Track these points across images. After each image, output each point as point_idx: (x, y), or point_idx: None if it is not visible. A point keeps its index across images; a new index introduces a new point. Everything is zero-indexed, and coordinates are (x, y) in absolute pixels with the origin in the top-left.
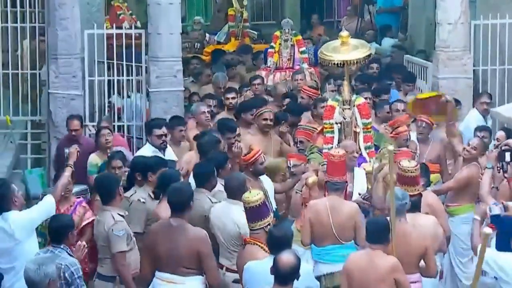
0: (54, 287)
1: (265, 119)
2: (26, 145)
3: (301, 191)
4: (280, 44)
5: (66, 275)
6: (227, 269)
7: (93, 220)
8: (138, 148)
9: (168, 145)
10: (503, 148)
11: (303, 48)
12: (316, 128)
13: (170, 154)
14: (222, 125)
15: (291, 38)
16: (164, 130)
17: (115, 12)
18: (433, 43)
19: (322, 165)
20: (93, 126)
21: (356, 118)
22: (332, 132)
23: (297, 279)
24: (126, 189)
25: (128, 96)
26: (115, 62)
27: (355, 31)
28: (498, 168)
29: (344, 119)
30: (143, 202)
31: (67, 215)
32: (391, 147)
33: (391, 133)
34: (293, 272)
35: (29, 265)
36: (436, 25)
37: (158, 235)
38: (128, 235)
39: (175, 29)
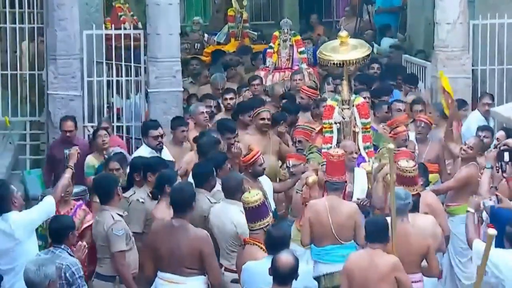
0: None
1: (263, 119)
2: (25, 146)
3: (301, 190)
4: (279, 44)
5: (67, 275)
6: (226, 269)
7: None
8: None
9: (164, 146)
10: (502, 148)
11: (302, 48)
12: (314, 128)
13: (166, 155)
14: (221, 126)
15: (290, 38)
16: (160, 131)
17: (116, 13)
18: (432, 43)
19: (321, 165)
20: (92, 127)
21: (355, 118)
22: (331, 131)
23: (296, 279)
24: (126, 189)
25: (128, 98)
26: (113, 62)
27: (354, 31)
28: (497, 168)
29: (343, 119)
30: (142, 202)
31: (67, 216)
32: (391, 146)
33: (390, 133)
34: (292, 272)
35: (29, 266)
36: (435, 25)
37: (160, 235)
38: (127, 234)
39: (174, 30)
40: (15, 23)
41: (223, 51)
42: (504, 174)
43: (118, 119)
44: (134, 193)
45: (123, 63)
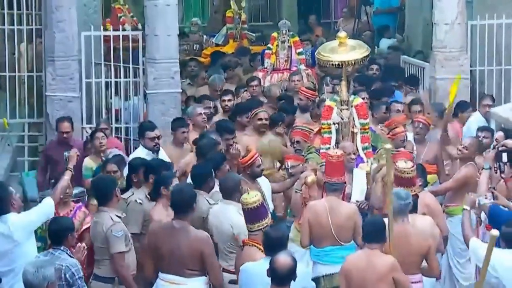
0: None
1: (260, 119)
2: (24, 147)
3: (300, 190)
4: (277, 45)
5: (67, 276)
6: (224, 270)
7: None
8: None
9: (161, 147)
10: (500, 148)
11: (300, 49)
12: (312, 129)
13: (163, 156)
14: (220, 127)
15: (288, 40)
16: (156, 132)
17: (116, 14)
18: (430, 44)
19: (320, 166)
20: (90, 128)
21: (354, 119)
22: (330, 132)
23: (294, 280)
24: (125, 191)
25: (126, 100)
26: (112, 64)
27: (352, 32)
28: (495, 169)
29: (342, 119)
30: (140, 203)
31: (66, 217)
32: (388, 146)
33: (388, 134)
34: (290, 273)
35: (27, 267)
36: (433, 26)
37: (160, 236)
38: (126, 236)
39: (172, 31)
40: (13, 25)
41: (223, 53)
42: (502, 175)
43: (117, 120)
44: (133, 194)
45: (121, 64)
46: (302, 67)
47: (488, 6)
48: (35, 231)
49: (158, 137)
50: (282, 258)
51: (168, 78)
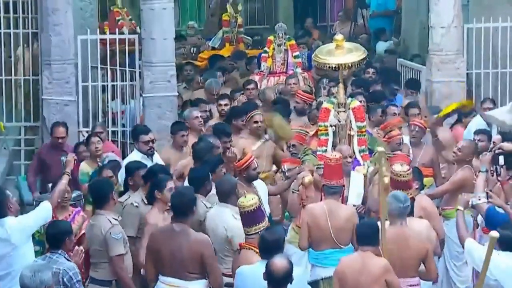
0: None
1: (256, 122)
2: (20, 151)
3: (298, 190)
4: (273, 48)
5: (65, 279)
6: None
7: None
8: None
9: (155, 152)
10: (496, 151)
11: (297, 53)
12: (308, 132)
13: (158, 160)
14: (217, 130)
15: (285, 43)
16: (151, 136)
17: (114, 17)
18: (427, 47)
19: (317, 168)
20: (87, 131)
21: (351, 121)
22: (327, 134)
23: (291, 283)
24: (122, 194)
25: (124, 103)
26: (108, 67)
27: (349, 36)
28: (492, 172)
29: (339, 121)
30: (136, 206)
31: (64, 221)
32: (381, 148)
33: (384, 137)
34: (287, 276)
35: (24, 271)
36: (429, 29)
37: (160, 239)
38: (124, 239)
39: (169, 34)
40: (10, 28)
41: (220, 56)
42: (499, 178)
43: (114, 123)
44: (129, 197)
45: (117, 68)
46: (299, 70)
47: (484, 9)
48: (33, 235)
49: (153, 141)
50: (279, 261)
51: (165, 82)
